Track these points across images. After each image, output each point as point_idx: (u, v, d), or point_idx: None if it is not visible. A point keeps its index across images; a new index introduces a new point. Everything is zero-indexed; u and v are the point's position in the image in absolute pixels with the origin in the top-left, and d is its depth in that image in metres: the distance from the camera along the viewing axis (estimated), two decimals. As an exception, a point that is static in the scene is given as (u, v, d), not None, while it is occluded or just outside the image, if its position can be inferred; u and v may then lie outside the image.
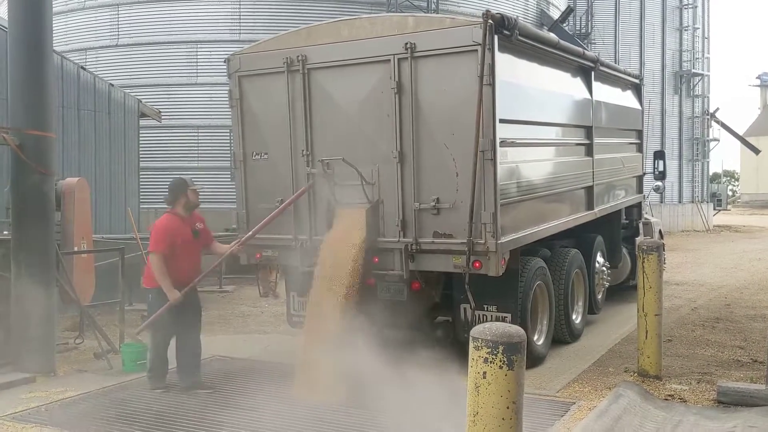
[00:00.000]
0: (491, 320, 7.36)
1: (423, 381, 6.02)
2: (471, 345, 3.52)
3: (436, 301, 7.74)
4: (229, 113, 7.92)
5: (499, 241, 6.65)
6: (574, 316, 8.82)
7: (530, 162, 7.58)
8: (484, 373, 3.46)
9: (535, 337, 7.80)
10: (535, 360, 7.62)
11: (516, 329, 3.53)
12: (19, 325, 7.34)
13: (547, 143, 8.33)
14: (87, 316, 8.24)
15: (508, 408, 3.46)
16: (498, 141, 6.62)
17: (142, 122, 14.75)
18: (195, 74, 17.99)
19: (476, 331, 3.52)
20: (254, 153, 7.78)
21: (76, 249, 8.22)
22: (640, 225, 11.93)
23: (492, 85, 6.47)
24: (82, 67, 13.54)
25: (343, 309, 6.69)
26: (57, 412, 6.16)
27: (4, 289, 7.45)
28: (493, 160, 6.57)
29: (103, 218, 12.75)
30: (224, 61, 7.84)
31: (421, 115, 6.84)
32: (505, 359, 3.45)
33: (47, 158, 7.36)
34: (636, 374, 7.23)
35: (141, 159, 14.63)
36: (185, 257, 6.82)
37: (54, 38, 7.90)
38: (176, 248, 6.72)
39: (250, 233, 7.27)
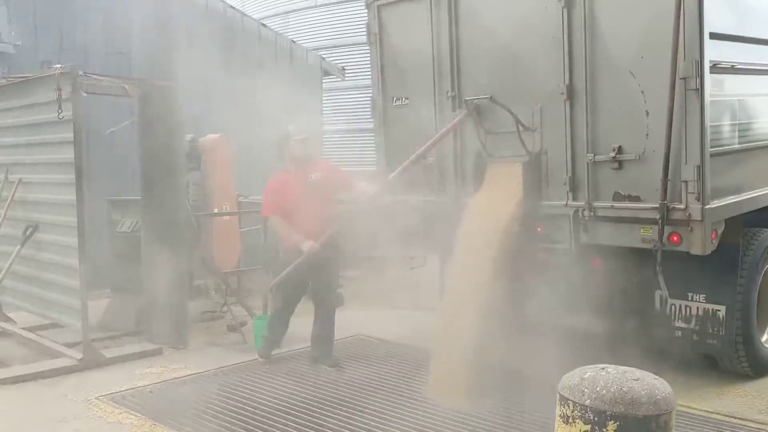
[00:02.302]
0: (697, 313, 5.47)
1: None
2: (557, 403, 1.96)
3: (621, 284, 5.93)
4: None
5: (707, 206, 4.74)
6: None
7: (756, 96, 5.44)
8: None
9: (764, 338, 5.73)
10: (764, 368, 5.61)
11: (660, 385, 1.89)
12: (148, 292, 6.79)
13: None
14: (225, 284, 7.55)
15: None
16: (707, 64, 4.69)
17: (326, 84, 14.07)
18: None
19: (569, 382, 1.95)
20: (394, 98, 6.48)
21: (216, 211, 7.52)
22: None
23: (697, -17, 4.56)
24: (262, 24, 13.08)
25: (490, 293, 5.21)
26: (156, 396, 5.43)
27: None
28: (700, 90, 4.65)
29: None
30: (364, -8, 6.60)
31: (597, 35, 5.07)
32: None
33: (170, 109, 6.64)
34: None
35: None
36: (305, 212, 5.84)
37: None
38: (289, 206, 5.86)
39: (400, 168, 5.83)
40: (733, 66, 5.04)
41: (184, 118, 6.83)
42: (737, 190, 5.15)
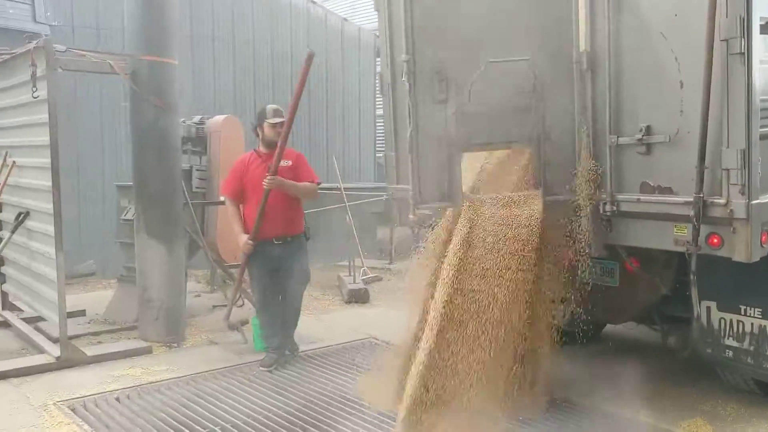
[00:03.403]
0: (751, 331, 4.48)
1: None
2: None
3: (664, 292, 4.97)
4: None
5: (754, 201, 3.76)
6: None
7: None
8: None
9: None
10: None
11: None
12: (140, 286, 6.32)
13: None
14: (229, 277, 7.00)
15: None
16: (756, 21, 3.69)
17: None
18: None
19: None
20: (403, 73, 5.67)
21: (222, 199, 6.95)
22: None
23: None
24: (312, 1, 12.47)
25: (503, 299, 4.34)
26: (120, 404, 4.91)
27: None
28: (746, 55, 3.66)
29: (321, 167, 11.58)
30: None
31: (621, -12, 4.13)
32: None
33: (166, 88, 6.11)
34: None
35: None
36: (273, 201, 5.41)
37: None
38: (249, 191, 5.52)
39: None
40: (795, 24, 3.99)
41: (189, 98, 6.30)
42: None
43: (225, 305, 7.39)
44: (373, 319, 7.14)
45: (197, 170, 6.96)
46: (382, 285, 8.87)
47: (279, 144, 5.28)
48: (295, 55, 11.51)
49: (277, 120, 5.45)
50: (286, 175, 5.43)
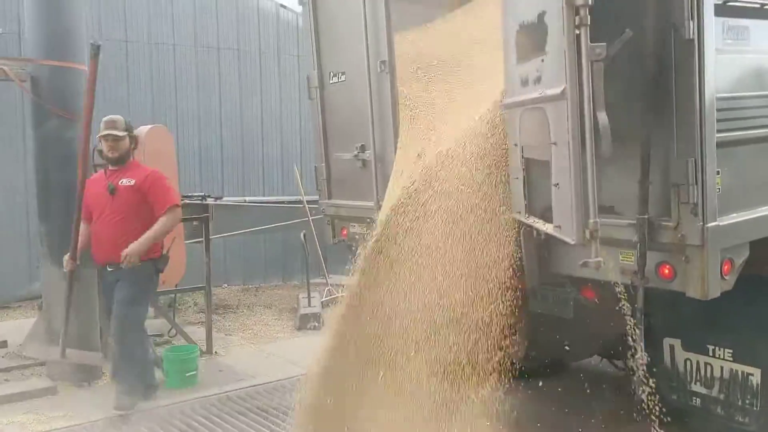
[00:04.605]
0: (721, 376, 3.75)
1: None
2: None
3: (624, 326, 4.23)
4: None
5: (710, 224, 3.02)
6: None
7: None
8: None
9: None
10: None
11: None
12: (44, 318, 5.65)
13: None
14: (155, 307, 6.33)
15: None
16: (710, 2, 2.98)
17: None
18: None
19: None
20: (331, 74, 5.01)
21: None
22: None
23: None
24: (282, 5, 11.81)
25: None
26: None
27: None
28: (697, 42, 2.94)
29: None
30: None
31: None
32: None
33: (69, 96, 5.45)
34: None
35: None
36: (100, 222, 5.02)
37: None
38: (87, 210, 5.05)
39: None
40: (763, 6, 3.27)
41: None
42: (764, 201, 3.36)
43: (161, 335, 6.76)
44: (310, 352, 6.43)
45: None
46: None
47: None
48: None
49: (107, 132, 4.95)
50: (126, 196, 4.94)
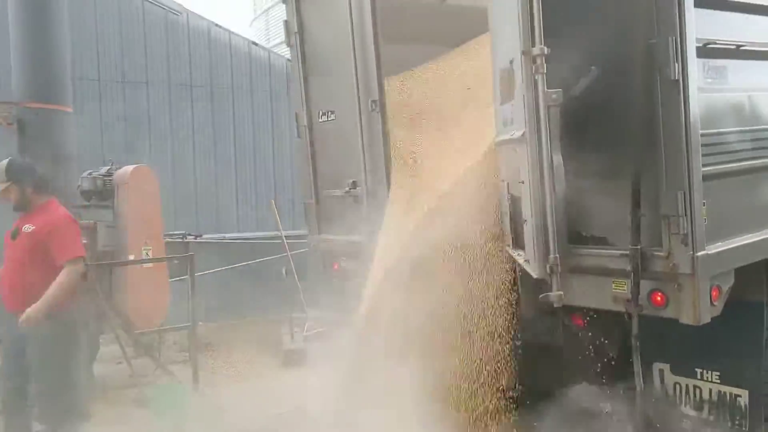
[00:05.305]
0: (710, 398, 3.89)
1: None
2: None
3: (611, 352, 4.38)
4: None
5: (700, 253, 3.19)
6: None
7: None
8: None
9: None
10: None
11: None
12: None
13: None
14: (138, 345, 6.30)
15: None
16: (692, 43, 3.17)
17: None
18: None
19: None
20: (320, 113, 5.14)
21: (131, 258, 6.26)
22: None
23: None
24: (253, 43, 11.97)
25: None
26: None
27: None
28: (681, 82, 3.13)
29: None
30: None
31: None
32: None
33: (57, 138, 5.48)
34: None
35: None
36: (4, 267, 4.70)
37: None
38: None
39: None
40: (739, 47, 3.49)
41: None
42: (754, 226, 3.56)
43: (145, 375, 6.70)
44: (300, 389, 6.43)
45: (106, 227, 6.28)
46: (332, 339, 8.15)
47: None
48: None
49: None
50: (24, 242, 4.55)
